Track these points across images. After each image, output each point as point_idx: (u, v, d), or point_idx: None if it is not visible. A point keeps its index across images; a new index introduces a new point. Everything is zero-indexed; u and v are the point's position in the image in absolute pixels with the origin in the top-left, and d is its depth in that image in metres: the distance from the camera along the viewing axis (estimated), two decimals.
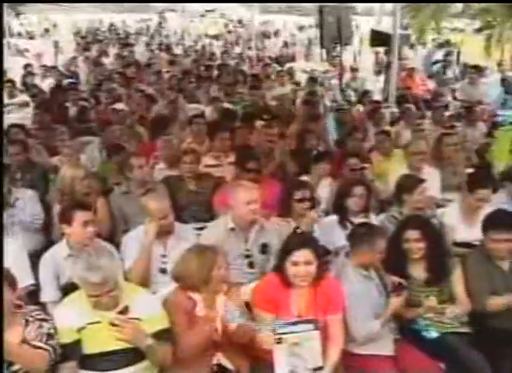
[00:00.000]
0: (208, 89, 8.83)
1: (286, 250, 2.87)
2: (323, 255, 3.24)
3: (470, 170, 5.05)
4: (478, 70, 8.14)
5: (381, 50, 11.04)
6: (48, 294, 3.10)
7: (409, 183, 3.96)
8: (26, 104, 7.77)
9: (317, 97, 7.74)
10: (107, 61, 12.72)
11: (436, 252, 3.26)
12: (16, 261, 2.98)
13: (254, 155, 4.61)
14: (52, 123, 6.15)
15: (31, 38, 20.23)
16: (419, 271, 3.25)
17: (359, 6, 20.62)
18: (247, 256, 3.41)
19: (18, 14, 22.25)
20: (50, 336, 2.45)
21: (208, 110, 7.46)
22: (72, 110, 7.37)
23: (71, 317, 2.54)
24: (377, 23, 16.47)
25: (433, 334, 3.05)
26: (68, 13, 26.22)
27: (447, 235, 3.84)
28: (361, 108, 7.75)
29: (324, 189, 4.40)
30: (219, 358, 2.72)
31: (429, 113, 7.15)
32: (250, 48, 17.14)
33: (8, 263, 2.66)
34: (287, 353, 2.73)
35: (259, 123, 6.33)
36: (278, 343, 2.69)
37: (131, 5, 31.10)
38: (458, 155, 5.09)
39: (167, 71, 10.69)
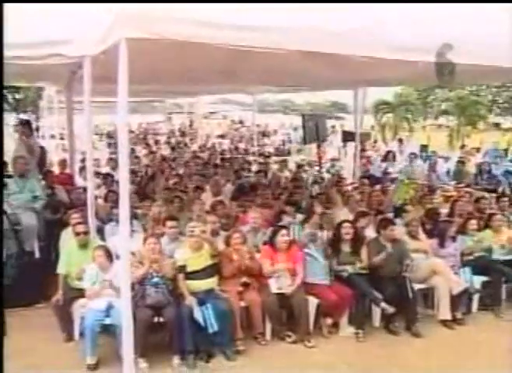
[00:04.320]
0: (225, 174, 12.30)
1: (276, 231, 6.09)
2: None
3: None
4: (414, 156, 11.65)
5: None
6: None
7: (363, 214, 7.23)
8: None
9: (302, 178, 11.17)
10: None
11: (356, 238, 6.44)
12: None
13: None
14: None
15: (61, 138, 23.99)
16: (346, 247, 6.40)
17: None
18: (256, 246, 6.59)
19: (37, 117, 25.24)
20: (174, 263, 5.59)
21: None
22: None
23: (182, 255, 5.68)
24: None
25: (345, 274, 6.19)
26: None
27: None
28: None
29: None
30: (245, 279, 5.85)
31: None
32: (252, 145, 20.88)
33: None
34: (276, 279, 5.88)
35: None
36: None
37: (138, 106, 34.60)
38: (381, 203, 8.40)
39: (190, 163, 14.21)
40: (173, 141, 23.36)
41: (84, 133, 6.59)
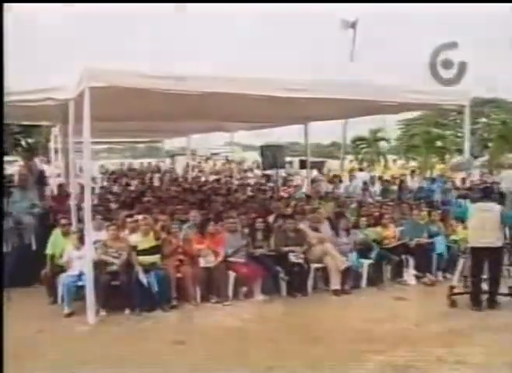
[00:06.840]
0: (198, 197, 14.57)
1: (203, 223, 8.34)
2: None
3: None
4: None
5: None
6: None
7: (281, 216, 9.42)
8: None
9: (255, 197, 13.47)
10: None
11: (266, 229, 8.65)
12: None
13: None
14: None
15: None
16: (259, 235, 8.61)
17: None
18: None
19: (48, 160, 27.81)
20: (129, 244, 7.83)
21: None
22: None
23: (134, 238, 7.92)
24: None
25: (257, 254, 8.39)
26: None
27: None
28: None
29: None
30: (180, 256, 8.07)
31: None
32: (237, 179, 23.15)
33: None
34: (204, 257, 8.10)
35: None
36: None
37: (147, 152, 37.56)
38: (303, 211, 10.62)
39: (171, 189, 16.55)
40: (167, 176, 25.69)
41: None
